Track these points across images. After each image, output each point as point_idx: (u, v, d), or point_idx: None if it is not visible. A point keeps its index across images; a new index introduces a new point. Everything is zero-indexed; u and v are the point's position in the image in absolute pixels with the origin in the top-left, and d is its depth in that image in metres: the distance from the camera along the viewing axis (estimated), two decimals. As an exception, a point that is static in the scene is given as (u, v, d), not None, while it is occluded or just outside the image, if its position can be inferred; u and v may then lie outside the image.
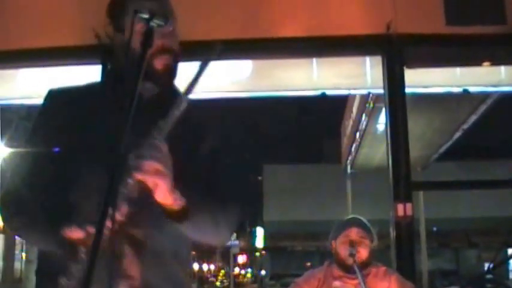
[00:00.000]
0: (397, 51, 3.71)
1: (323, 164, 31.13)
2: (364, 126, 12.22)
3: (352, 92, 7.03)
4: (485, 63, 3.95)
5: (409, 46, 3.74)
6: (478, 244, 29.40)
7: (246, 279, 50.77)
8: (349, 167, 16.88)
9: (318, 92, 4.99)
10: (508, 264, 22.53)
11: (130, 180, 1.49)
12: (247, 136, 37.34)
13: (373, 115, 11.18)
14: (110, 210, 1.40)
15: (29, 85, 4.44)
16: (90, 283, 1.32)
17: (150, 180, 1.51)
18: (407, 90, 3.73)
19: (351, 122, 13.82)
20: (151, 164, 1.49)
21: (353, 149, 14.80)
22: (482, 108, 10.24)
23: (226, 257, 44.53)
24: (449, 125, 11.70)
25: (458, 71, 4.72)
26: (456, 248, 31.01)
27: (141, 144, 1.50)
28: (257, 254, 44.02)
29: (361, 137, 13.04)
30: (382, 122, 11.12)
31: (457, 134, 12.25)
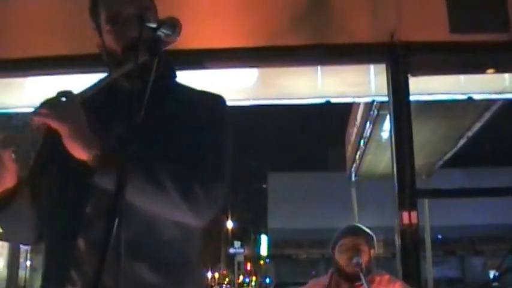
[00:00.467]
0: (402, 59, 3.72)
1: (327, 172, 31.07)
2: (368, 134, 12.19)
3: (357, 100, 7.04)
4: (489, 71, 3.95)
5: (414, 54, 3.75)
6: (484, 252, 29.30)
7: (250, 288, 50.68)
8: (353, 175, 16.83)
9: (322, 100, 4.99)
10: (513, 271, 22.43)
11: (32, 124, 1.59)
12: (252, 144, 37.36)
13: (377, 123, 11.15)
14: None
15: (37, 93, 4.46)
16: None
17: (53, 125, 1.59)
18: (412, 97, 3.74)
19: (355, 130, 13.80)
20: (44, 110, 1.57)
21: (357, 157, 14.76)
22: (487, 115, 10.21)
23: (231, 265, 44.48)
24: (453, 132, 11.66)
25: (462, 78, 4.72)
26: (461, 256, 30.88)
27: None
28: (261, 262, 43.93)
29: (366, 144, 13.01)
30: (386, 130, 11.10)
31: (462, 141, 12.20)
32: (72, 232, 1.68)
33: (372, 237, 3.65)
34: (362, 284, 3.21)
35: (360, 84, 4.90)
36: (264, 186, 34.41)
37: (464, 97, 4.98)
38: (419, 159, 4.32)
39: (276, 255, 34.14)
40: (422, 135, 10.44)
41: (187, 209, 1.64)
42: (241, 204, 42.67)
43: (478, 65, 3.91)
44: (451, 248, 29.71)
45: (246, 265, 48.33)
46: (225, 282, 53.66)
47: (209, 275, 50.30)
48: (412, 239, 3.49)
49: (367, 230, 3.71)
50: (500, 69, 3.98)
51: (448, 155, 13.64)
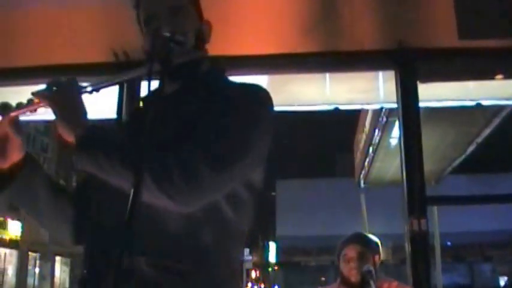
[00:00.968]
0: (410, 65, 3.71)
1: (336, 179, 31.07)
2: (377, 141, 12.20)
3: (366, 106, 7.02)
4: (498, 77, 3.94)
5: (422, 60, 3.74)
6: (493, 258, 29.21)
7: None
8: (362, 182, 16.82)
9: (331, 107, 4.99)
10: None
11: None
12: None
13: (386, 129, 11.17)
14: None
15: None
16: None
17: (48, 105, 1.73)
18: (421, 104, 3.73)
19: (364, 137, 13.80)
20: (43, 91, 1.73)
21: (366, 163, 14.75)
22: (496, 121, 10.20)
23: (240, 272, 44.39)
24: (462, 138, 11.64)
25: (471, 84, 4.71)
26: (470, 262, 30.78)
27: None
28: (270, 269, 43.87)
29: (375, 151, 13.01)
30: (395, 136, 11.10)
31: (471, 148, 12.18)
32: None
33: (376, 244, 3.66)
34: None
35: (369, 91, 4.89)
36: (273, 193, 34.39)
37: (473, 103, 4.97)
38: (428, 165, 4.32)
39: (285, 263, 34.13)
40: (431, 141, 10.44)
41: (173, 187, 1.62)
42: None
43: (486, 71, 3.90)
44: (460, 255, 29.62)
45: (254, 272, 48.24)
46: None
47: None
48: (422, 246, 3.47)
49: (370, 236, 3.72)
50: (509, 75, 3.97)
51: (457, 162, 13.62)
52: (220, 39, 3.27)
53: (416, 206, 3.48)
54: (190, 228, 1.71)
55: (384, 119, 10.68)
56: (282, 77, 4.52)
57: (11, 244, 25.01)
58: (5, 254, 24.80)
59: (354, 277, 3.53)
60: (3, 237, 24.34)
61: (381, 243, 3.95)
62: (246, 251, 42.15)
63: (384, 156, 12.94)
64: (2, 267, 24.57)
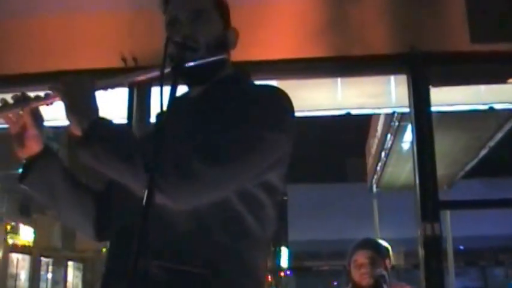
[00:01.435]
0: (422, 70, 3.71)
1: (347, 184, 31.01)
2: (389, 145, 12.20)
3: (377, 111, 7.03)
4: (511, 80, 3.93)
5: (434, 64, 3.74)
6: (505, 262, 29.05)
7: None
8: (374, 186, 16.81)
9: (342, 112, 4.99)
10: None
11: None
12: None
13: (398, 134, 11.17)
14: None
15: (58, 108, 4.48)
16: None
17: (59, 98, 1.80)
18: (433, 108, 3.72)
19: (376, 141, 13.79)
20: (56, 84, 1.81)
21: (378, 168, 14.75)
22: (508, 125, 10.18)
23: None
24: (475, 142, 11.62)
25: (483, 88, 4.70)
26: (483, 267, 30.62)
27: None
28: (282, 274, 43.80)
29: (387, 155, 13.00)
30: (407, 141, 11.09)
31: (483, 152, 12.15)
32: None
33: (386, 249, 3.65)
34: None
35: (381, 95, 4.89)
36: (285, 198, 34.34)
37: (485, 107, 4.96)
38: (441, 170, 4.31)
39: (297, 267, 34.06)
40: (443, 146, 10.41)
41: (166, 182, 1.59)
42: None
43: (499, 75, 3.89)
44: (472, 259, 29.45)
45: (266, 277, 48.24)
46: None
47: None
48: (435, 250, 3.47)
49: (379, 241, 3.72)
50: (522, 78, 3.96)
51: (470, 166, 13.58)
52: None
53: (429, 210, 3.48)
54: (203, 230, 1.69)
55: (396, 123, 10.68)
56: (293, 82, 4.52)
57: (24, 249, 25.10)
58: (18, 259, 24.88)
59: (365, 282, 3.52)
60: (16, 242, 24.44)
61: (392, 248, 3.94)
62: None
63: (396, 160, 12.94)
64: (15, 272, 24.66)
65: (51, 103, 1.86)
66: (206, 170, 1.60)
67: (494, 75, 3.90)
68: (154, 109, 3.68)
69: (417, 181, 3.54)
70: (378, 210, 17.60)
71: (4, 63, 3.92)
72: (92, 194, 2.04)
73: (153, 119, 3.59)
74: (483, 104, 4.92)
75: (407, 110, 3.84)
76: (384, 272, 3.40)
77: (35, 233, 25.66)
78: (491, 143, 11.52)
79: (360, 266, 3.54)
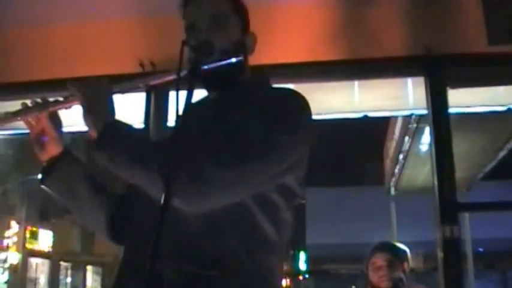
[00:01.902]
0: (440, 71, 3.69)
1: (365, 187, 30.90)
2: (407, 148, 12.16)
3: (395, 113, 7.00)
4: (529, 82, 3.91)
5: (452, 66, 3.72)
6: (525, 265, 28.85)
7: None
8: (392, 189, 16.75)
9: (359, 115, 4.98)
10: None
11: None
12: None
13: (416, 136, 11.12)
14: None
15: (75, 113, 4.52)
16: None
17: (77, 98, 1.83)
18: (450, 110, 3.71)
19: (393, 144, 13.76)
20: (75, 85, 1.83)
21: (396, 171, 14.70)
22: (527, 127, 10.11)
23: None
24: (493, 144, 11.55)
25: (501, 89, 4.67)
26: (503, 270, 30.38)
27: None
28: (300, 277, 43.73)
29: (405, 158, 12.96)
30: (425, 143, 11.05)
31: (502, 154, 12.08)
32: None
33: (404, 252, 3.64)
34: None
35: (398, 97, 4.88)
36: (303, 201, 34.29)
37: (503, 108, 4.93)
38: (459, 172, 4.28)
39: (315, 271, 33.99)
40: (461, 148, 10.36)
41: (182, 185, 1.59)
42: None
43: (517, 76, 3.86)
44: (491, 262, 29.24)
45: (284, 281, 48.15)
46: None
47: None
48: (454, 253, 3.45)
49: (397, 244, 3.71)
50: (540, 80, 3.93)
51: (488, 168, 13.50)
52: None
53: (448, 213, 3.46)
54: (215, 232, 1.69)
55: (414, 126, 10.64)
56: (310, 85, 4.52)
57: (43, 254, 25.27)
58: (37, 264, 25.07)
59: (383, 285, 3.52)
60: (35, 247, 24.61)
61: (410, 251, 3.93)
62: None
63: (414, 163, 12.88)
64: (34, 276, 24.83)
65: (70, 106, 1.90)
66: (218, 172, 1.59)
67: (512, 77, 3.88)
68: (172, 113, 3.69)
69: (436, 183, 3.52)
70: (395, 213, 17.52)
71: (26, 70, 3.97)
72: (110, 196, 2.06)
73: (171, 123, 3.62)
74: (501, 106, 4.89)
75: (425, 112, 3.82)
76: (402, 275, 3.39)
77: (54, 237, 25.83)
78: (510, 145, 11.45)
79: (378, 269, 3.54)
